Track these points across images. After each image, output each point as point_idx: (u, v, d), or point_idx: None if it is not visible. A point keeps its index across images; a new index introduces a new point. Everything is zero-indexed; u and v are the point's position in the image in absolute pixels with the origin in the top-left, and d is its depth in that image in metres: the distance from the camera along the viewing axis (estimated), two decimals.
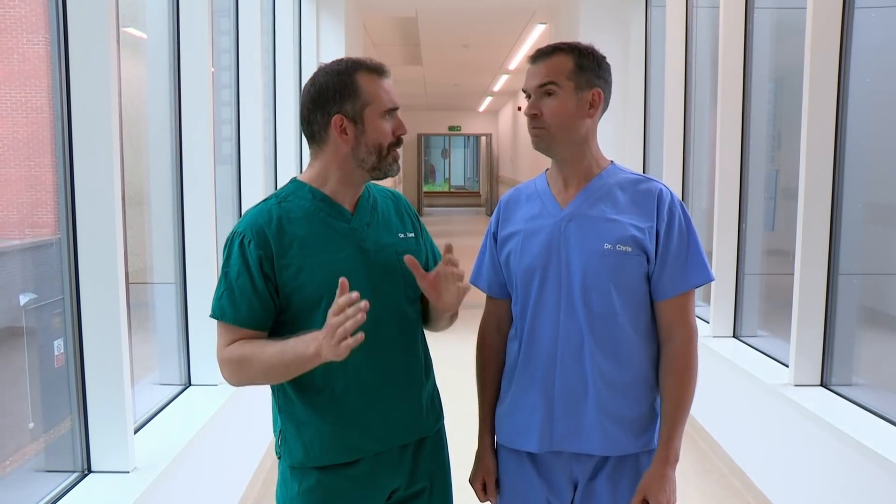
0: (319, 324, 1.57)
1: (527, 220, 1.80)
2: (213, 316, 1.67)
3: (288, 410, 1.72)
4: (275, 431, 1.78)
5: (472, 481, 1.90)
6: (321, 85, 1.66)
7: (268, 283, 1.64)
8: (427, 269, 1.78)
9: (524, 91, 1.79)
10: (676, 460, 1.75)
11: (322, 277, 1.64)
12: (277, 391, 1.74)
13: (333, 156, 1.68)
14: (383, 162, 1.69)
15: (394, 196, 1.86)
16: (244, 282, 1.63)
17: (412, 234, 1.80)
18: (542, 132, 1.74)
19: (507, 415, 1.83)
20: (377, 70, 1.68)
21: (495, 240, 1.86)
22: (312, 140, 1.70)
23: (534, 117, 1.74)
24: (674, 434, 1.74)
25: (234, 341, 1.65)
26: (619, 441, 1.75)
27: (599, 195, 1.76)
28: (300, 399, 1.70)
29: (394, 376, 1.72)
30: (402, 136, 1.71)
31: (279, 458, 1.75)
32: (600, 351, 1.73)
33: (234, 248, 1.65)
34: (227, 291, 1.64)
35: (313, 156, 1.72)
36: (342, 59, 1.70)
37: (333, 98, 1.65)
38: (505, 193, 1.92)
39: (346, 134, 1.66)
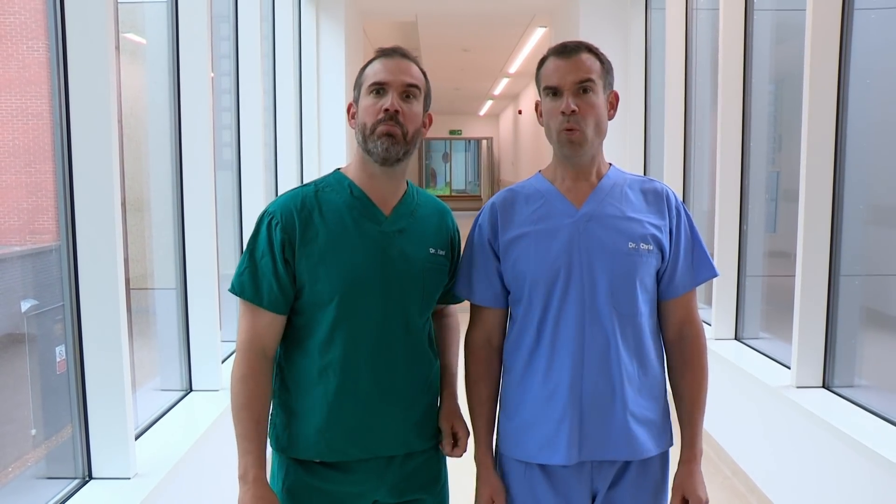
0: (327, 323, 1.64)
1: (535, 221, 1.72)
2: (231, 290, 1.68)
3: (282, 398, 1.73)
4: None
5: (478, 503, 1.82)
6: None
7: (287, 269, 1.65)
8: (445, 289, 1.80)
9: (551, 88, 1.69)
10: (702, 455, 1.77)
11: (337, 276, 1.64)
12: (276, 378, 1.74)
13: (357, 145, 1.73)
14: (369, 140, 1.64)
15: (442, 212, 1.82)
16: (267, 263, 1.64)
17: (443, 252, 1.77)
18: (580, 134, 1.66)
19: (525, 430, 1.73)
20: (384, 52, 1.69)
21: (491, 246, 1.76)
22: None
23: (573, 113, 1.65)
24: (697, 431, 1.75)
25: (254, 328, 1.66)
26: (643, 444, 1.71)
27: (613, 194, 1.73)
28: (295, 390, 1.71)
29: (391, 386, 1.69)
30: (395, 114, 1.62)
31: (270, 444, 1.76)
32: (627, 352, 1.69)
33: (262, 228, 1.66)
34: (248, 269, 1.66)
35: None
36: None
37: (354, 88, 1.72)
38: (494, 197, 1.80)
39: (354, 119, 1.70)
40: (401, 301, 1.68)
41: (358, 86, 1.70)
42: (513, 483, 1.77)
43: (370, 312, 1.66)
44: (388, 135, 1.63)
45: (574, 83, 1.66)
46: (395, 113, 1.62)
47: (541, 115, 1.75)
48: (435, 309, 1.84)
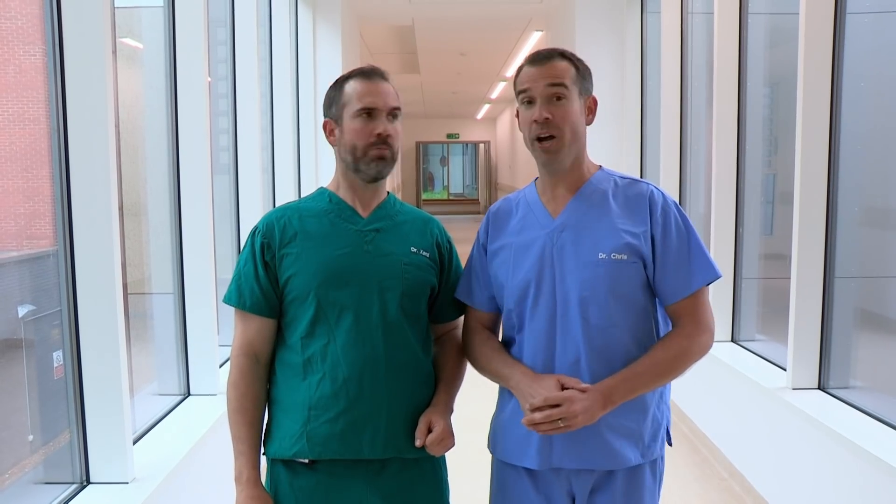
0: (307, 316, 1.70)
1: (517, 232, 1.75)
2: (224, 301, 1.78)
3: (275, 397, 1.76)
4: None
5: None
6: (325, 96, 1.81)
7: (268, 272, 1.73)
8: (430, 297, 1.82)
9: (523, 93, 1.70)
10: (609, 403, 1.61)
11: (315, 268, 1.71)
12: (271, 380, 1.78)
13: (336, 159, 1.81)
14: (361, 162, 1.73)
15: (426, 220, 1.86)
16: (249, 269, 1.74)
17: (426, 254, 1.79)
18: (555, 142, 1.66)
19: (507, 428, 1.75)
20: (364, 73, 1.75)
21: (485, 252, 1.80)
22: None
23: (546, 122, 1.66)
24: (625, 382, 1.62)
25: (245, 334, 1.74)
26: (621, 454, 1.68)
27: (590, 203, 1.71)
28: (284, 387, 1.74)
29: (373, 381, 1.69)
30: (387, 138, 1.71)
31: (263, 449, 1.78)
32: (599, 363, 1.65)
33: (248, 239, 1.78)
34: (235, 278, 1.76)
35: None
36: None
37: (328, 105, 1.79)
38: (493, 204, 1.87)
39: (333, 136, 1.77)
40: (379, 295, 1.71)
41: (338, 105, 1.75)
42: (504, 482, 1.78)
43: (347, 305, 1.70)
44: (381, 158, 1.72)
45: (547, 89, 1.67)
46: (387, 137, 1.71)
47: (521, 124, 1.75)
48: (438, 332, 1.88)
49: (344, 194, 1.79)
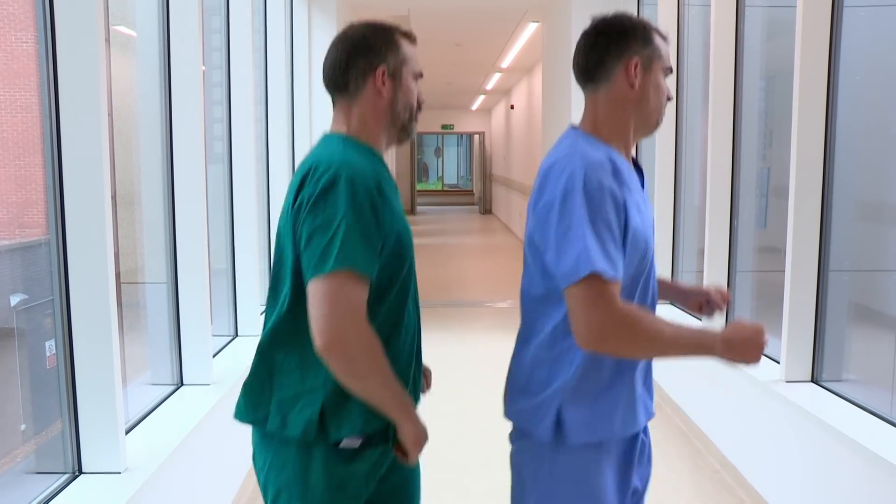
0: (396, 286, 1.62)
1: (627, 187, 1.62)
2: (336, 266, 1.46)
3: (334, 382, 1.55)
4: (289, 419, 1.60)
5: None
6: (363, 35, 1.65)
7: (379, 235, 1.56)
8: None
9: (669, 69, 1.76)
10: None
11: (402, 237, 1.63)
12: (315, 367, 1.56)
13: (371, 109, 1.65)
14: (410, 124, 1.72)
15: None
16: (373, 232, 1.51)
17: None
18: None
19: (615, 407, 1.65)
20: (411, 37, 1.75)
21: (623, 206, 1.56)
22: (345, 90, 1.66)
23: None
24: None
25: (360, 301, 1.48)
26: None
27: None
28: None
29: (419, 353, 1.75)
30: (423, 105, 1.74)
31: (308, 442, 1.59)
32: None
33: (358, 192, 1.50)
34: (354, 236, 1.47)
35: (344, 108, 1.68)
36: (377, 20, 1.74)
37: (378, 49, 1.65)
38: (597, 154, 1.59)
39: (385, 86, 1.65)
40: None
41: (396, 59, 1.65)
42: (584, 469, 1.65)
43: (410, 280, 1.69)
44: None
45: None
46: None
47: (636, 77, 1.67)
48: None
49: (380, 152, 1.70)
